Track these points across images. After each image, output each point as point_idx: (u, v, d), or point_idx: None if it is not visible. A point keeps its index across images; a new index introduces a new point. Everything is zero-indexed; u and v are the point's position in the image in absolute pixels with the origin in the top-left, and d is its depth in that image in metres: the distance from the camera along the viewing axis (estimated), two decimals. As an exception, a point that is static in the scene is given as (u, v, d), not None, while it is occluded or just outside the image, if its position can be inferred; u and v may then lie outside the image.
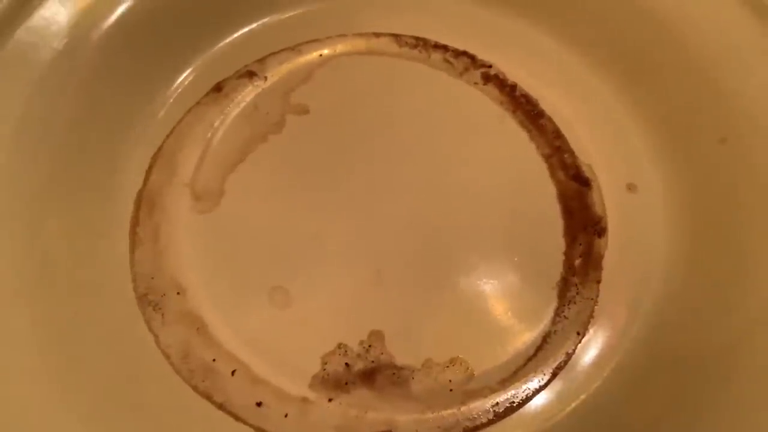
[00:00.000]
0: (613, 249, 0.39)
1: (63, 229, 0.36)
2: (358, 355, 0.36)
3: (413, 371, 0.35)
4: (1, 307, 0.32)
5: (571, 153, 0.42)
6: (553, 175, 0.41)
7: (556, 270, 0.38)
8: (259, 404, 0.34)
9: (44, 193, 0.36)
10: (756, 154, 0.37)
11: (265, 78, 0.43)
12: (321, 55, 0.44)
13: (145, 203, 0.39)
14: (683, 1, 0.41)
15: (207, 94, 0.43)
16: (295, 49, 0.44)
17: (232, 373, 0.35)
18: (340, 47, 0.45)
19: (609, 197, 0.40)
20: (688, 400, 0.33)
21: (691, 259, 0.38)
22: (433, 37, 0.45)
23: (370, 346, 0.36)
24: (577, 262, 0.39)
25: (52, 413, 0.31)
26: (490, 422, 0.35)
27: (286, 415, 0.34)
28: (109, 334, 0.35)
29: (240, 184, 0.40)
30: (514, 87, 0.44)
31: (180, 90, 0.43)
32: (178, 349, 0.35)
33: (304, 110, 0.42)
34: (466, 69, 0.44)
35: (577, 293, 0.38)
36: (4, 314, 0.32)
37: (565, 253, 0.39)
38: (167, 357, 0.35)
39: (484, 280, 0.38)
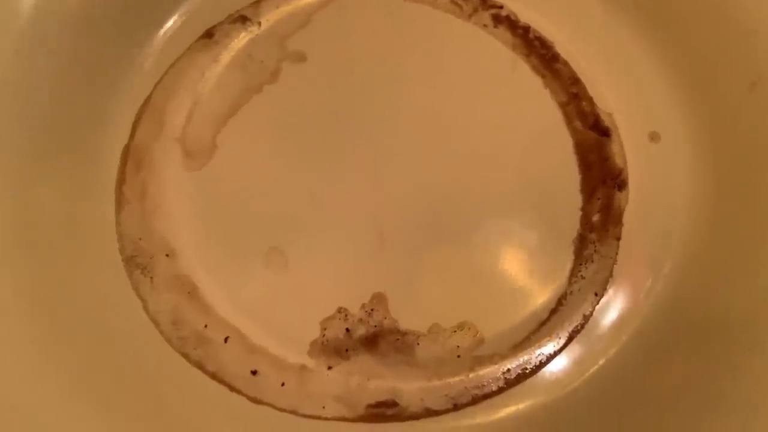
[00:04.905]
0: (634, 203, 0.38)
1: (45, 188, 0.35)
2: (360, 320, 0.35)
3: (418, 337, 0.35)
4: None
5: (589, 101, 0.40)
6: (569, 124, 0.39)
7: (573, 227, 0.37)
8: (254, 373, 0.34)
9: (26, 151, 0.35)
10: (789, 100, 0.35)
11: (260, 23, 0.41)
12: (319, -3, 0.42)
13: (131, 160, 0.37)
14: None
15: (196, 42, 0.40)
16: (292, -9, 0.43)
17: (226, 340, 0.34)
18: (340, -12, 0.43)
19: (630, 148, 0.39)
20: (711, 370, 0.32)
21: (717, 215, 0.37)
22: (440, -24, 0.43)
23: (372, 310, 0.35)
24: (595, 217, 0.37)
25: (33, 384, 0.30)
26: (501, 390, 0.34)
27: (283, 384, 0.34)
28: (94, 300, 0.34)
29: (233, 139, 0.38)
30: (527, 29, 0.41)
31: (167, 37, 0.40)
32: (168, 315, 0.35)
33: (301, 58, 0.40)
34: (476, 11, 0.42)
35: (595, 251, 0.37)
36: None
37: (583, 209, 0.38)
38: (156, 324, 0.34)
39: (494, 238, 0.37)
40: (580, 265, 0.36)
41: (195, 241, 0.36)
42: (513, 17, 0.41)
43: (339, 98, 0.40)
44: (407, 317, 0.35)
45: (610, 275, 0.36)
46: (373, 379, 0.34)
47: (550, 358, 0.35)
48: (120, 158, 0.38)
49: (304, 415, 0.33)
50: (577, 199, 0.38)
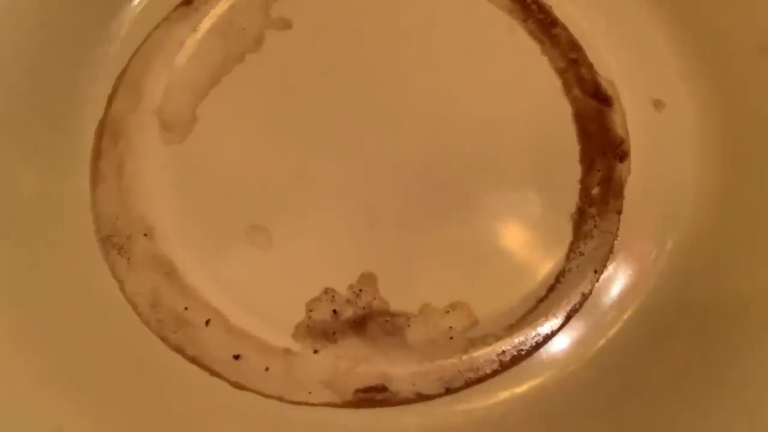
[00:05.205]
0: (636, 176, 0.37)
1: (17, 164, 0.34)
2: (348, 301, 0.34)
3: (409, 318, 0.34)
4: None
5: (589, 67, 0.39)
6: (568, 92, 0.38)
7: (571, 200, 0.36)
8: (236, 357, 0.33)
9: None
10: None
11: (242, -13, 0.41)
12: (304, -40, 0.41)
13: (107, 134, 0.37)
14: None
15: (175, 9, 0.39)
16: (275, -47, 0.41)
17: (207, 322, 0.34)
18: (327, -50, 0.42)
19: (632, 116, 0.38)
20: (714, 353, 0.31)
21: (725, 189, 0.36)
22: (432, -63, 0.42)
23: (360, 290, 0.34)
24: (595, 190, 0.37)
25: (2, 369, 0.30)
26: (496, 372, 0.34)
27: (267, 369, 0.33)
28: (68, 282, 0.33)
29: (214, 111, 0.37)
30: (524, -8, 0.41)
31: (144, 5, 0.39)
32: (146, 296, 0.34)
33: (286, 24, 0.39)
34: (469, -27, 0.41)
35: (595, 226, 0.36)
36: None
37: (582, 181, 0.37)
38: (134, 306, 0.34)
39: (489, 213, 0.36)
40: (579, 240, 0.36)
41: (174, 219, 0.35)
42: (509, -21, 0.41)
43: (326, 67, 0.38)
44: (397, 298, 0.34)
45: (611, 251, 0.36)
46: (362, 363, 0.33)
47: (548, 338, 0.34)
48: (95, 132, 0.37)
49: (290, 401, 0.33)
50: (576, 171, 0.37)
